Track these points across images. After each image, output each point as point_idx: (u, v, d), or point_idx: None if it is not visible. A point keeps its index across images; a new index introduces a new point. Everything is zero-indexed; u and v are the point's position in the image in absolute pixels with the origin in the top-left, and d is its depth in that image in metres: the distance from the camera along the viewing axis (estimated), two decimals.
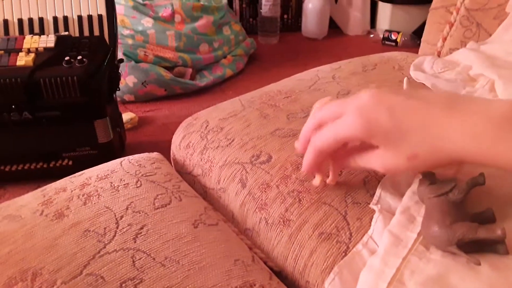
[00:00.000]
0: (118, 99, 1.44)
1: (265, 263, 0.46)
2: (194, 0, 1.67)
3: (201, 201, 0.52)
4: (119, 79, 1.11)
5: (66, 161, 1.08)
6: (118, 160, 0.56)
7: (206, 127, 0.62)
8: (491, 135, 0.32)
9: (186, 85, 1.56)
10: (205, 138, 0.60)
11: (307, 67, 0.79)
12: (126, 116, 1.36)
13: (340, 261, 0.40)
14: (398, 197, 0.43)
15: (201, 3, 1.67)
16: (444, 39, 0.82)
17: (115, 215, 0.45)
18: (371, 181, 0.47)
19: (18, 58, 0.97)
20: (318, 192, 0.47)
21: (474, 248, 0.35)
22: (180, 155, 0.63)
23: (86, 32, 1.08)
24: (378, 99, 0.36)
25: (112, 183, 0.50)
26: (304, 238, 0.44)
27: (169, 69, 1.57)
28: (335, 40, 2.12)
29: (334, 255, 0.41)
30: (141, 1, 1.58)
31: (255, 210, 0.49)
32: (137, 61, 1.51)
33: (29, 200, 0.49)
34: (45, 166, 1.07)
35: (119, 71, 1.10)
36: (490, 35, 0.75)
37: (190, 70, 1.60)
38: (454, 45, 0.80)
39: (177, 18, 1.61)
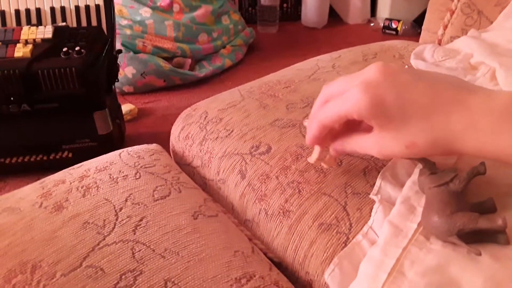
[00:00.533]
0: (117, 90, 1.43)
1: (265, 254, 0.46)
2: None
3: (200, 193, 0.51)
4: (118, 70, 1.10)
5: (66, 153, 1.07)
6: (117, 152, 0.56)
7: (205, 118, 0.62)
8: (491, 127, 0.31)
9: (185, 76, 1.55)
10: (204, 129, 0.60)
11: (307, 56, 0.79)
12: (126, 107, 1.35)
13: (340, 252, 0.40)
14: (398, 187, 0.43)
15: None
16: (445, 27, 0.81)
17: (115, 207, 0.45)
18: (371, 171, 0.46)
19: (16, 49, 0.96)
20: (318, 182, 0.46)
21: (474, 238, 0.35)
22: (179, 146, 0.63)
23: (84, 23, 1.07)
24: (386, 75, 0.35)
25: (111, 175, 0.50)
26: (304, 229, 0.44)
27: (168, 59, 1.56)
28: (335, 29, 2.10)
29: (334, 246, 0.41)
30: None
31: (254, 201, 0.49)
32: (135, 52, 1.50)
33: (28, 193, 0.48)
34: (45, 158, 1.07)
35: (118, 62, 1.09)
36: (491, 22, 0.74)
37: (189, 61, 1.59)
38: (455, 33, 0.79)
39: (176, 7, 1.60)
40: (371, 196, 0.43)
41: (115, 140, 1.12)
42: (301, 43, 1.95)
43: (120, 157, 0.54)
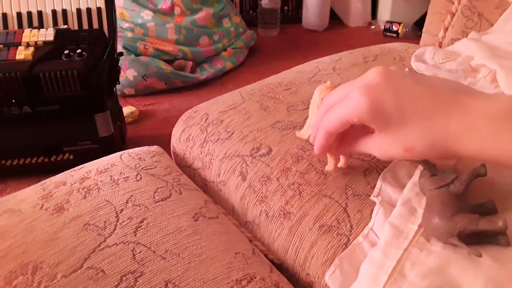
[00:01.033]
0: (118, 92, 1.43)
1: (265, 255, 0.46)
2: None
3: (201, 194, 0.52)
4: (119, 73, 1.10)
5: (67, 155, 1.08)
6: (118, 154, 0.56)
7: (206, 120, 0.62)
8: (490, 131, 0.32)
9: (186, 78, 1.55)
10: (205, 131, 0.60)
11: (308, 59, 0.79)
12: (127, 109, 1.36)
13: (341, 253, 0.40)
14: (399, 189, 0.43)
15: None
16: (446, 30, 0.82)
17: (115, 209, 0.45)
18: (371, 173, 0.46)
19: (18, 52, 0.96)
20: (318, 184, 0.46)
21: (475, 239, 0.34)
22: (180, 148, 0.63)
23: (85, 25, 1.08)
24: (386, 78, 0.35)
25: (112, 176, 0.50)
26: (305, 231, 0.44)
27: (169, 62, 1.56)
28: (336, 32, 2.11)
29: (334, 247, 0.41)
30: None
31: (255, 203, 0.49)
32: (137, 55, 1.51)
33: (29, 194, 0.48)
34: (46, 160, 1.07)
35: (119, 64, 1.10)
36: (492, 25, 0.74)
37: (190, 63, 1.60)
38: (456, 35, 0.79)
39: (177, 10, 1.60)
40: (372, 197, 0.43)
41: (116, 142, 1.12)
42: (302, 45, 1.95)
43: (121, 159, 0.54)
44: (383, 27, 2.04)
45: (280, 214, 0.46)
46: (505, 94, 0.34)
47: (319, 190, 0.46)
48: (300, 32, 2.10)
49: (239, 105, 0.62)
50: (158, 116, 1.42)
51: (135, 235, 0.42)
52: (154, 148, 0.59)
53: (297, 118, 0.57)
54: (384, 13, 2.11)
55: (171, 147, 0.66)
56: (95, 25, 1.08)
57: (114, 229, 0.43)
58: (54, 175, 0.52)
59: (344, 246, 0.41)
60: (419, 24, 1.93)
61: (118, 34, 1.48)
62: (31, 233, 0.42)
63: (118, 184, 0.49)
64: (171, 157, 0.64)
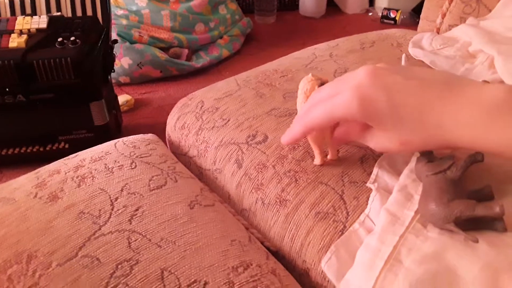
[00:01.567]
0: (114, 81, 1.42)
1: (262, 243, 0.45)
2: None
3: (197, 182, 0.51)
4: (114, 60, 1.09)
5: (62, 144, 1.07)
6: (112, 142, 0.55)
7: (201, 108, 0.61)
8: (483, 122, 0.32)
9: (182, 66, 1.54)
10: (200, 118, 0.59)
11: (305, 46, 0.78)
12: (122, 98, 1.35)
13: (337, 240, 0.40)
14: (395, 176, 0.43)
15: None
16: (444, 15, 0.81)
17: (110, 197, 0.45)
18: (368, 160, 0.46)
19: (10, 39, 0.95)
20: (314, 171, 0.46)
21: (472, 225, 0.34)
22: (175, 136, 0.62)
23: (79, 12, 1.07)
24: (375, 78, 0.35)
25: (106, 164, 0.50)
26: (301, 218, 0.43)
27: (165, 50, 1.55)
28: (333, 19, 2.09)
29: (331, 234, 0.41)
30: None
31: (251, 190, 0.49)
32: (131, 42, 1.49)
33: (23, 183, 0.48)
34: (41, 149, 1.06)
35: (114, 52, 1.09)
36: (490, 10, 0.73)
37: (186, 51, 1.58)
38: (454, 21, 0.78)
39: None
40: (368, 184, 0.43)
41: (112, 130, 1.11)
42: (299, 33, 1.94)
43: (115, 147, 0.54)
44: (380, 14, 2.02)
45: (276, 201, 0.46)
46: (496, 84, 0.33)
47: (315, 177, 0.46)
48: (297, 19, 2.09)
49: (234, 92, 0.62)
50: (153, 105, 1.41)
51: (130, 223, 0.42)
52: (149, 136, 0.58)
53: (294, 105, 0.56)
54: (382, 0, 2.09)
55: (166, 135, 0.66)
56: (89, 12, 1.07)
57: (109, 217, 0.42)
58: (49, 164, 0.52)
59: (340, 233, 0.41)
60: (417, 11, 1.92)
61: (113, 21, 1.46)
62: (25, 222, 0.42)
63: (113, 172, 0.48)
64: (167, 145, 0.63)
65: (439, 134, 0.33)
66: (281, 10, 2.11)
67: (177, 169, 0.52)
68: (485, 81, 0.58)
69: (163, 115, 0.70)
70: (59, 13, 1.05)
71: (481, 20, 0.71)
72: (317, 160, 0.46)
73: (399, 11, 1.97)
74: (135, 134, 0.58)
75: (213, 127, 0.57)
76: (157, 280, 0.37)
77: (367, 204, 0.42)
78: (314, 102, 0.39)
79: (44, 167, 0.51)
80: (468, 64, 0.62)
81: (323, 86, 0.40)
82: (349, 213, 0.42)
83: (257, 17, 2.02)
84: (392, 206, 0.39)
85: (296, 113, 0.54)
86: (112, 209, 0.43)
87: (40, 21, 0.99)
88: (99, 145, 0.55)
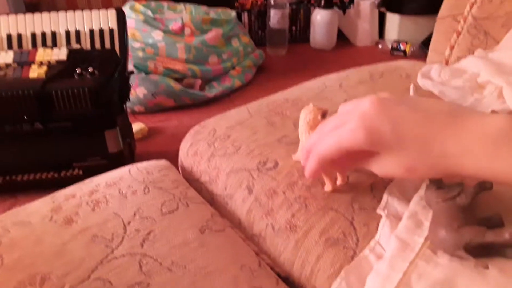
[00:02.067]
0: (129, 110, 1.45)
1: (272, 269, 0.45)
2: (203, 13, 1.70)
3: (208, 208, 0.52)
4: (130, 91, 1.12)
5: (76, 170, 1.09)
6: (126, 167, 0.57)
7: (213, 135, 0.62)
8: (486, 151, 0.32)
9: (195, 96, 1.57)
10: (213, 145, 0.61)
11: (316, 77, 0.79)
12: (136, 126, 1.37)
13: (347, 266, 0.40)
14: (405, 202, 0.43)
15: (211, 16, 1.69)
16: (452, 48, 0.82)
17: (123, 221, 0.46)
18: (378, 186, 0.46)
19: (31, 70, 0.99)
20: (324, 198, 0.47)
21: (482, 252, 0.34)
22: (188, 162, 0.64)
23: (98, 45, 1.11)
24: (380, 108, 0.36)
25: (120, 189, 0.51)
26: (311, 244, 0.44)
27: (179, 80, 1.59)
28: (344, 51, 2.13)
29: (341, 260, 0.41)
30: (152, 15, 1.61)
31: (261, 216, 0.49)
32: (147, 73, 1.53)
33: (39, 207, 0.49)
34: (56, 175, 1.08)
35: (130, 82, 1.12)
36: (498, 42, 0.75)
37: (199, 81, 1.62)
38: (462, 53, 0.80)
39: (187, 31, 1.63)
40: (378, 211, 0.43)
41: (125, 158, 1.13)
42: (309, 64, 1.97)
43: (129, 172, 0.55)
44: (390, 47, 2.05)
45: (286, 227, 0.46)
46: (500, 114, 0.34)
47: (325, 203, 0.46)
48: (308, 52, 2.13)
49: (246, 120, 0.63)
50: (167, 133, 1.43)
51: (142, 247, 0.43)
52: (162, 162, 0.59)
53: None
54: (392, 32, 2.13)
55: (179, 162, 0.67)
56: (107, 45, 1.11)
57: (122, 241, 0.43)
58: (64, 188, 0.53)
59: (350, 259, 0.41)
60: (426, 43, 1.94)
61: (130, 53, 1.51)
62: (40, 244, 0.43)
63: (126, 197, 0.50)
64: (179, 171, 0.64)
65: (443, 163, 0.34)
66: (292, 42, 2.16)
67: (189, 194, 0.52)
68: (494, 111, 0.59)
69: (176, 143, 0.71)
70: (78, 46, 1.09)
71: (489, 52, 0.72)
72: (328, 187, 0.47)
73: (409, 44, 2.00)
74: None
75: (224, 153, 0.58)
76: None
77: (377, 231, 0.42)
78: (322, 133, 0.40)
79: (60, 191, 0.52)
80: (477, 94, 0.63)
81: (330, 118, 0.41)
82: (359, 239, 0.42)
83: (269, 49, 2.07)
84: (402, 233, 0.39)
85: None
86: (125, 233, 0.44)
87: (60, 53, 1.03)
88: (114, 170, 0.56)
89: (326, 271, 0.41)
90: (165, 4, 1.71)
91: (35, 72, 0.98)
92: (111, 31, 1.11)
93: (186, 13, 1.66)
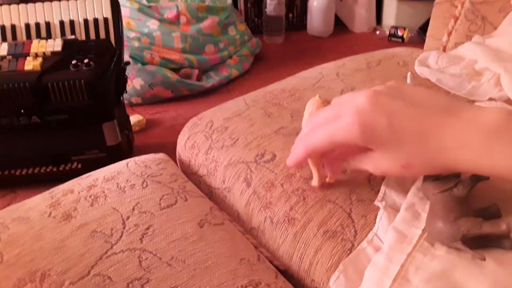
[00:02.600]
0: (126, 101, 1.45)
1: (270, 262, 0.46)
2: (199, 1, 1.68)
3: (206, 201, 0.52)
4: (126, 82, 1.12)
5: (75, 164, 1.09)
6: (124, 162, 0.56)
7: (210, 127, 0.62)
8: (483, 145, 0.32)
9: (192, 86, 1.56)
10: (210, 138, 0.61)
11: (313, 65, 0.79)
12: (134, 118, 1.37)
13: (345, 259, 0.40)
14: (402, 194, 0.43)
15: (206, 3, 1.67)
16: (449, 34, 0.82)
17: (122, 216, 0.46)
18: (375, 178, 0.46)
19: (26, 62, 0.98)
20: (322, 190, 0.47)
21: (479, 243, 0.34)
22: (186, 155, 0.64)
23: (93, 36, 1.10)
24: (376, 103, 0.35)
25: (118, 184, 0.51)
26: (309, 237, 0.44)
27: (176, 70, 1.58)
28: (341, 38, 2.11)
29: (339, 253, 0.41)
30: (146, 3, 1.60)
31: (260, 209, 0.49)
32: (143, 64, 1.52)
33: (37, 202, 0.49)
34: (54, 169, 1.08)
35: (126, 73, 1.11)
36: (496, 28, 0.74)
37: (196, 71, 1.61)
38: (459, 39, 0.79)
39: (182, 19, 1.62)
40: (376, 202, 0.44)
41: (124, 150, 1.13)
42: (307, 52, 1.96)
43: (127, 166, 0.55)
44: (388, 33, 2.04)
45: (284, 220, 0.46)
46: (495, 107, 0.34)
47: (323, 195, 0.46)
48: (305, 39, 2.11)
49: (243, 111, 0.63)
50: (164, 124, 1.43)
51: (141, 242, 0.43)
52: (160, 155, 0.59)
53: (301, 124, 0.57)
54: (389, 18, 2.11)
55: (177, 155, 0.67)
56: (102, 35, 1.10)
57: (121, 236, 0.43)
58: (62, 184, 0.53)
59: (348, 251, 0.41)
60: (424, 28, 1.93)
61: (125, 43, 1.50)
62: (39, 240, 0.43)
63: (125, 192, 0.50)
64: (177, 165, 0.64)
65: (440, 158, 0.34)
66: (289, 30, 2.14)
67: (187, 188, 0.53)
68: (492, 99, 0.58)
69: (174, 135, 0.71)
70: (73, 37, 1.08)
71: (486, 38, 0.72)
72: (315, 182, 0.47)
73: (407, 29, 1.99)
74: (146, 154, 0.60)
75: (222, 146, 0.58)
76: None
77: (375, 222, 0.42)
78: (316, 124, 0.40)
79: (58, 186, 0.52)
80: (474, 82, 0.62)
81: (324, 109, 0.41)
82: (357, 232, 0.42)
83: (266, 37, 2.06)
84: (399, 225, 0.40)
85: None
86: (124, 228, 0.44)
87: (55, 44, 1.02)
88: (112, 165, 0.56)
89: (325, 264, 0.41)
90: None
91: (30, 64, 0.98)
92: (105, 20, 1.09)
93: (181, 1, 1.65)
